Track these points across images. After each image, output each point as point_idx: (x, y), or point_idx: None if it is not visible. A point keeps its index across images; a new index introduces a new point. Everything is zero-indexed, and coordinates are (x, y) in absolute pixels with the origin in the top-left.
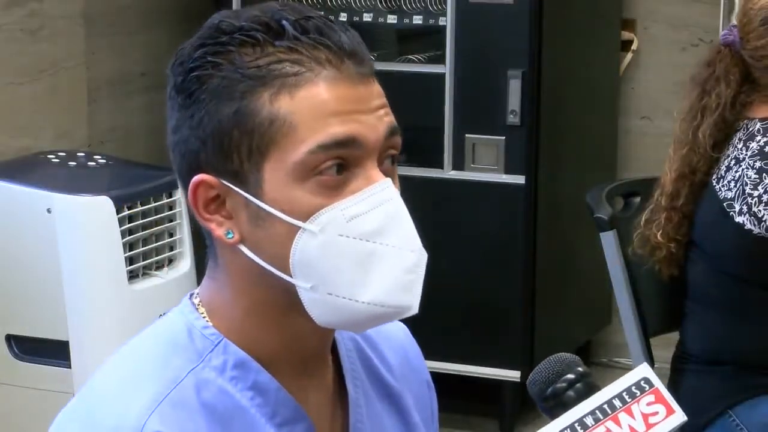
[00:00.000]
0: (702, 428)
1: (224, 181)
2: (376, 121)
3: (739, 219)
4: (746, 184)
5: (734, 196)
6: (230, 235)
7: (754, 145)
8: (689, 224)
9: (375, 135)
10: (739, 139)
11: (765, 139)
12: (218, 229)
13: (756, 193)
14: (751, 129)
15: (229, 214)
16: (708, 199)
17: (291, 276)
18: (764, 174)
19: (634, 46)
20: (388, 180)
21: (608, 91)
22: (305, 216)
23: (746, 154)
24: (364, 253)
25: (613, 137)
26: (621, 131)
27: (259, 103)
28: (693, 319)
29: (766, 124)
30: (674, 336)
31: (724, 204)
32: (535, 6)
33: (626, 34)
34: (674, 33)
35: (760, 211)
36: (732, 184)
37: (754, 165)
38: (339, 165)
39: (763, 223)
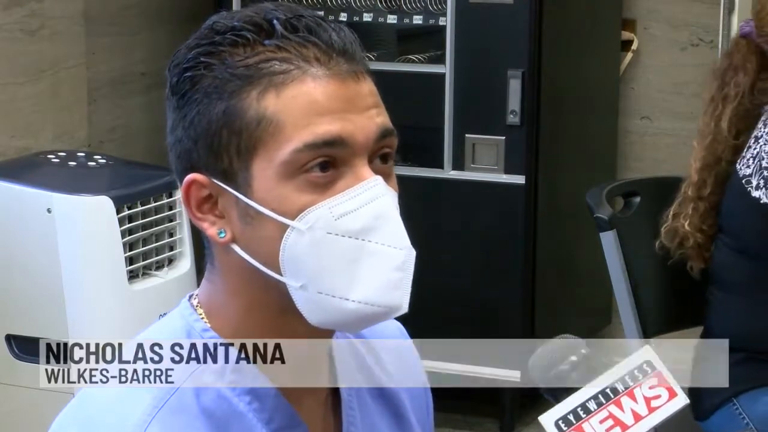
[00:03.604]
0: (709, 413)
1: (215, 180)
2: (367, 120)
3: (756, 193)
4: (763, 159)
5: (752, 172)
6: (222, 234)
7: None
8: (716, 215)
9: (364, 135)
10: (763, 122)
11: None
12: (210, 228)
13: None
14: None
15: (221, 214)
16: (732, 183)
17: (282, 275)
18: None
19: (634, 46)
20: (378, 177)
21: (608, 91)
22: (294, 214)
23: (764, 131)
24: (352, 251)
25: (613, 137)
26: (621, 131)
27: (247, 102)
28: (715, 305)
29: None
30: (674, 336)
31: (743, 181)
32: (535, 6)
33: (626, 34)
34: (674, 33)
35: None
36: (750, 161)
37: None
38: (327, 163)
39: None
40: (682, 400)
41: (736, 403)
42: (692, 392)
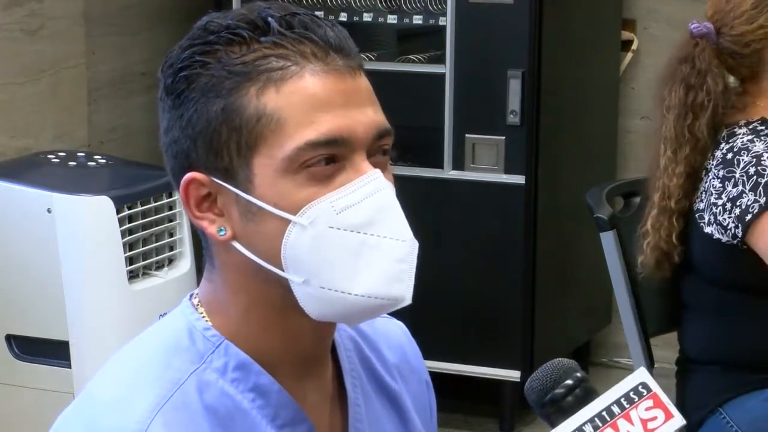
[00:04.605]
0: (697, 426)
1: (215, 179)
2: (365, 117)
3: (707, 229)
4: (711, 194)
5: (704, 207)
6: (222, 232)
7: (718, 153)
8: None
9: (364, 131)
10: (711, 154)
11: (727, 146)
12: (210, 226)
13: (720, 202)
14: (717, 137)
15: (221, 212)
16: (690, 212)
17: (283, 270)
18: (726, 182)
19: (634, 46)
20: (378, 171)
21: (608, 91)
22: (295, 209)
23: (712, 164)
24: (354, 245)
25: (613, 137)
26: (621, 131)
27: (246, 99)
28: (687, 324)
29: (730, 129)
30: (674, 336)
31: (696, 216)
32: (535, 6)
33: (626, 34)
34: (674, 33)
35: (725, 219)
36: (703, 195)
37: (718, 174)
38: (328, 158)
39: (728, 230)
40: (678, 421)
41: (723, 412)
42: (678, 406)
